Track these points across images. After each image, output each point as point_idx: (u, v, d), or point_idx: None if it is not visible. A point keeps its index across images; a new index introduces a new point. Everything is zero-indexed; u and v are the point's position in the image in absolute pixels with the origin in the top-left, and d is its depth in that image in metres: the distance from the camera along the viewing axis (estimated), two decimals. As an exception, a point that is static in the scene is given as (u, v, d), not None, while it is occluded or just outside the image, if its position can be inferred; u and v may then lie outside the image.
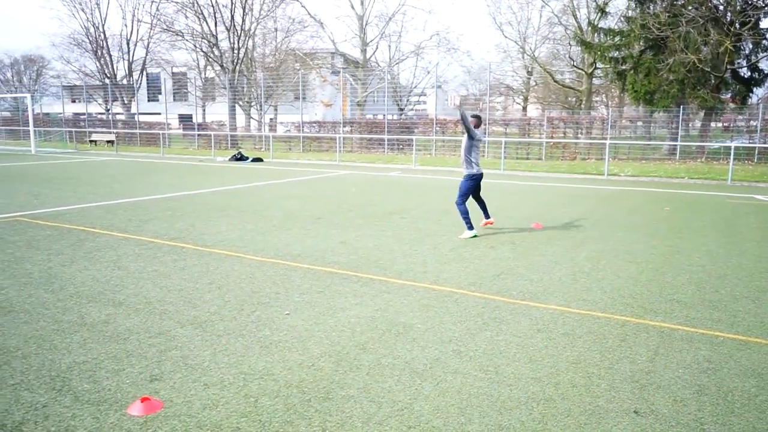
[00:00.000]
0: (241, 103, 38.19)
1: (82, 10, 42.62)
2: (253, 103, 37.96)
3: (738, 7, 24.15)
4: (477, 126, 8.70)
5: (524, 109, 52.65)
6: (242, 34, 38.03)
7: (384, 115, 32.82)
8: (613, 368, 4.06)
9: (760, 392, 3.72)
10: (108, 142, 35.89)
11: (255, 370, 3.98)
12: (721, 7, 25.07)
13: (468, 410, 3.46)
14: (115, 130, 35.91)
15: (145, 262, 6.89)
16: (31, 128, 30.13)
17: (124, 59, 44.28)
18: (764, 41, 25.44)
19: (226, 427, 3.24)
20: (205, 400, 3.56)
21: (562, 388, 3.75)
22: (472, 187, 8.88)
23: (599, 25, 29.84)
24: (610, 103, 50.79)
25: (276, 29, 41.72)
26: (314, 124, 34.52)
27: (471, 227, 8.61)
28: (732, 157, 17.51)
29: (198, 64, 45.71)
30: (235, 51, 37.81)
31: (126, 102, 43.34)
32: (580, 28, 36.82)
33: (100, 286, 5.90)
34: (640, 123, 31.23)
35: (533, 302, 5.52)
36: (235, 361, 4.14)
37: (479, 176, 8.82)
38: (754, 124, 25.30)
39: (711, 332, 4.76)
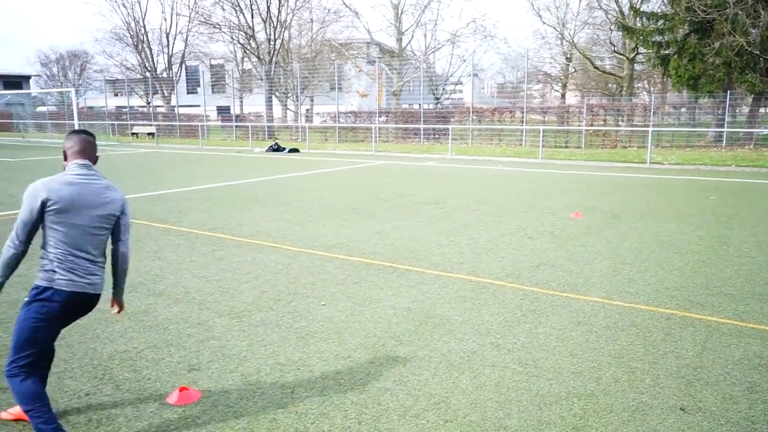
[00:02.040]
0: (277, 94, 38.46)
1: (123, 5, 43.42)
2: (289, 94, 38.18)
3: (790, -14, 23.07)
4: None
5: (563, 96, 51.62)
6: (278, 26, 38.22)
7: (420, 105, 32.62)
8: (658, 363, 3.93)
9: (816, 390, 3.55)
10: (149, 134, 36.59)
11: (291, 361, 3.98)
12: (772, -13, 24.00)
13: (506, 405, 3.39)
14: (155, 123, 36.60)
15: (184, 253, 6.98)
16: (75, 121, 30.93)
17: (163, 53, 45.03)
18: (818, 22, 24.26)
19: (262, 418, 3.24)
20: (242, 390, 3.57)
21: (604, 383, 3.64)
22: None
23: (641, 9, 28.93)
24: (652, 89, 49.40)
25: (312, 20, 41.81)
26: (350, 115, 34.53)
27: None
28: (782, 143, 16.82)
29: (235, 56, 46.19)
30: (272, 42, 38.02)
31: (166, 95, 44.09)
32: (621, 12, 35.81)
33: (140, 277, 6.00)
34: (684, 109, 30.25)
35: (573, 294, 5.40)
36: (271, 351, 4.15)
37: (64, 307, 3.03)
38: (807, 108, 24.24)
39: (762, 327, 4.56)
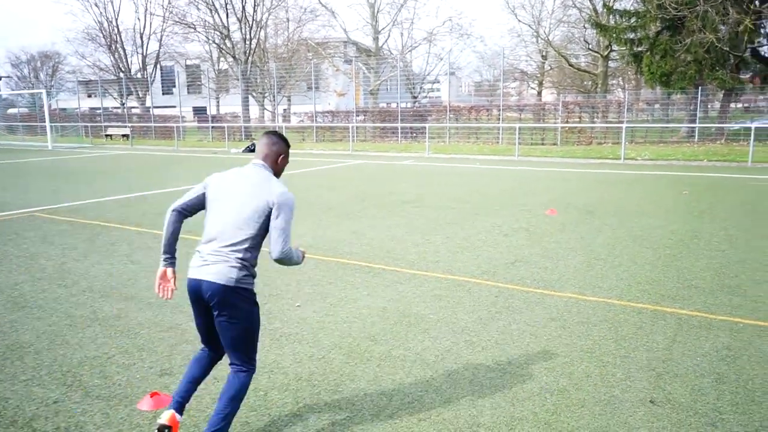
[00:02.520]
0: (254, 94, 38.20)
1: (95, 4, 42.80)
2: (266, 94, 37.95)
3: (758, -16, 23.56)
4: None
5: (539, 94, 52.06)
6: (254, 25, 37.96)
7: (397, 104, 32.65)
8: (629, 357, 3.98)
9: (782, 380, 3.62)
10: (123, 136, 36.12)
11: (265, 364, 3.96)
12: (740, -15, 24.46)
13: (480, 402, 3.40)
14: (130, 124, 36.13)
15: (157, 256, 6.87)
16: (47, 124, 30.40)
17: (137, 53, 44.45)
18: (785, 18, 24.80)
19: (234, 421, 3.21)
20: (214, 394, 3.54)
21: (576, 378, 3.68)
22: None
23: (614, 7, 29.31)
24: (626, 86, 50.04)
25: (288, 19, 41.57)
26: (327, 114, 34.45)
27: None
28: (752, 138, 17.15)
29: (211, 56, 45.75)
30: (247, 42, 37.75)
31: (140, 96, 43.56)
32: (594, 10, 36.23)
33: (113, 281, 5.92)
34: (657, 105, 30.73)
35: (547, 290, 5.44)
36: (245, 354, 4.11)
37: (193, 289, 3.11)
38: (775, 103, 24.77)
39: (730, 319, 4.64)
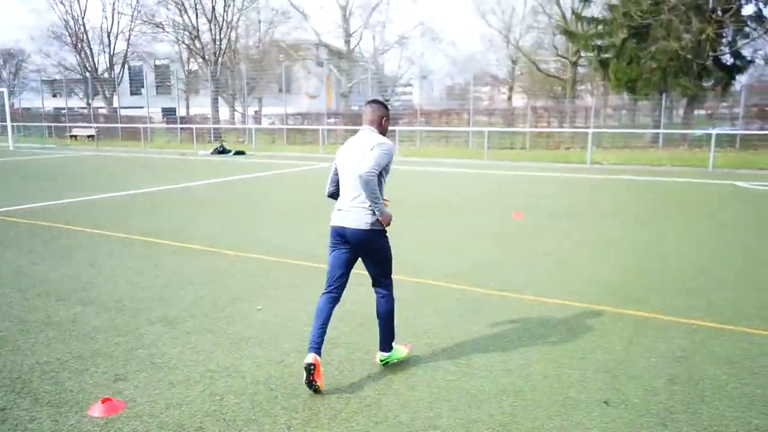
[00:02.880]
0: (224, 95, 37.85)
1: (61, 2, 41.95)
2: (236, 96, 37.63)
3: (720, -6, 24.20)
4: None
5: (509, 98, 52.64)
6: (224, 26, 37.64)
7: (369, 107, 32.62)
8: (586, 358, 4.03)
9: (731, 380, 3.70)
10: (89, 136, 35.44)
11: (222, 368, 3.90)
12: (703, -5, 25.10)
13: (437, 404, 3.40)
14: (96, 125, 35.45)
15: (119, 259, 6.77)
16: (8, 123, 29.63)
17: (105, 52, 43.69)
18: (746, 28, 25.52)
19: (188, 427, 3.16)
20: (169, 399, 3.47)
21: (533, 380, 3.70)
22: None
23: (583, 14, 29.82)
24: (595, 92, 50.90)
25: (259, 20, 41.36)
26: (298, 116, 34.30)
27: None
28: (713, 144, 17.58)
29: (181, 56, 45.22)
30: (217, 43, 37.43)
31: (107, 96, 42.78)
32: (563, 16, 36.82)
33: (70, 284, 5.78)
34: (624, 111, 31.33)
35: (511, 293, 5.48)
36: (203, 358, 4.06)
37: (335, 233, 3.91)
38: (737, 111, 25.44)
39: (687, 320, 4.74)
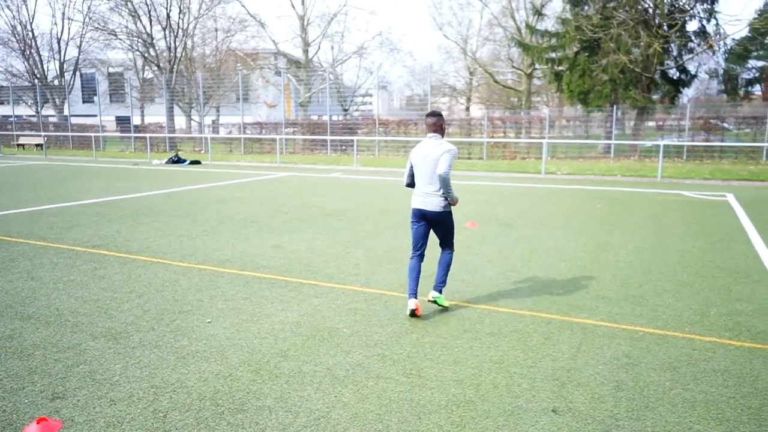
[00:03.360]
0: (180, 104, 37.20)
1: (8, 7, 40.59)
2: (193, 105, 37.04)
3: (665, 10, 25.11)
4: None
5: (467, 109, 53.35)
6: (180, 34, 37.07)
7: (328, 116, 32.59)
8: (536, 367, 4.07)
9: (675, 386, 3.78)
10: (37, 145, 34.34)
11: (167, 383, 3.79)
12: (650, 10, 26.01)
13: (386, 416, 3.38)
14: (44, 133, 34.36)
15: (61, 272, 6.54)
16: (-48, 131, 28.47)
17: (55, 59, 42.39)
18: (690, 43, 26.53)
19: (128, 447, 3.05)
20: (109, 417, 3.35)
21: (483, 390, 3.72)
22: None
23: (536, 27, 30.50)
24: (550, 103, 52.06)
25: (216, 29, 40.87)
26: (256, 126, 33.95)
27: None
28: (661, 155, 18.15)
29: (135, 64, 44.31)
30: (172, 51, 36.81)
31: (58, 104, 41.51)
32: (518, 29, 37.59)
33: (8, 299, 5.55)
34: (577, 122, 32.10)
35: (462, 302, 5.51)
36: (147, 374, 3.94)
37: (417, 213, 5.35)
38: (683, 123, 26.36)
39: (632, 327, 4.84)
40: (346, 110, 43.48)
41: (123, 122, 43.67)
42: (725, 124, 26.79)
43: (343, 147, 29.63)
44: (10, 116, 38.80)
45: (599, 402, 3.55)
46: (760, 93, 40.93)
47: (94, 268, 6.69)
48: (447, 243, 5.41)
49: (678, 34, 24.90)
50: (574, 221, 10.06)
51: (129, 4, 36.77)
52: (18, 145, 35.31)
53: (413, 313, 5.05)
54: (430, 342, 4.51)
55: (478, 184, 16.86)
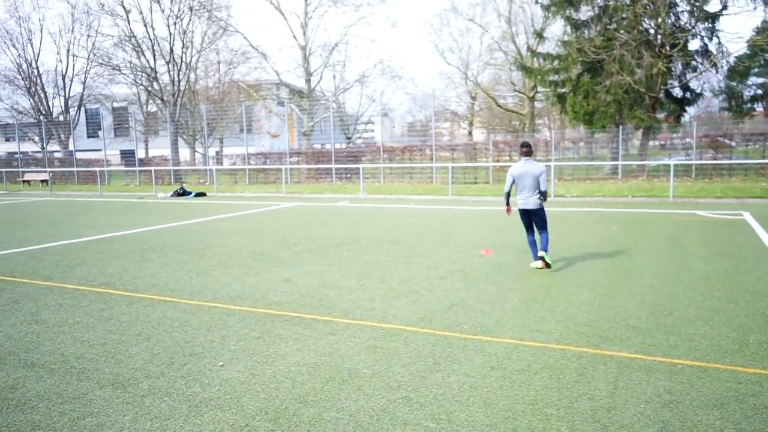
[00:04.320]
0: (185, 136, 37.31)
1: (14, 45, 41.03)
2: (197, 137, 37.14)
3: (667, 30, 25.13)
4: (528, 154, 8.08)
5: (470, 133, 53.44)
6: (183, 67, 37.34)
7: (331, 144, 32.59)
8: (573, 407, 3.80)
9: (725, 425, 3.51)
10: (42, 181, 34.38)
11: (180, 437, 3.53)
12: (652, 31, 26.05)
13: (418, 470, 3.11)
14: (50, 169, 34.42)
15: (66, 314, 6.31)
16: (-43, 170, 28.53)
17: (60, 95, 42.65)
18: (693, 62, 26.50)
19: None
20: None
21: (520, 436, 3.44)
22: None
23: (538, 50, 30.61)
24: (552, 125, 52.11)
25: (218, 61, 41.19)
26: (260, 156, 33.95)
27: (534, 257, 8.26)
28: (672, 174, 17.94)
29: (139, 98, 44.57)
30: (176, 84, 37.03)
31: (63, 139, 41.69)
32: (519, 53, 37.79)
33: (12, 345, 5.31)
34: (582, 144, 31.98)
35: (486, 336, 5.25)
36: (158, 426, 3.68)
37: (522, 211, 8.12)
38: (689, 141, 26.20)
39: (669, 359, 4.57)
40: (349, 138, 43.57)
41: (128, 156, 43.81)
42: (731, 142, 26.63)
43: (348, 175, 29.54)
44: (16, 153, 38.96)
45: (647, 447, 3.28)
46: (761, 109, 40.92)
47: (100, 309, 6.46)
48: (544, 227, 7.93)
49: (681, 53, 24.87)
50: (591, 245, 9.81)
51: (133, 39, 37.14)
52: (23, 181, 35.38)
53: (543, 267, 7.81)
54: (457, 382, 4.25)
55: (488, 209, 16.64)
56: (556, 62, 28.33)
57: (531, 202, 7.85)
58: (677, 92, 27.87)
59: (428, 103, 41.71)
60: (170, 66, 36.98)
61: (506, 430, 3.52)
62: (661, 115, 28.35)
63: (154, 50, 37.15)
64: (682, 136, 28.49)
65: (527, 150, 7.87)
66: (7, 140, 52.81)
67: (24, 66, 41.23)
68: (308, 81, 41.06)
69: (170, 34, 36.63)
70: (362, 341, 5.20)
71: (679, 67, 26.54)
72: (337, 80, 44.06)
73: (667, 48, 25.10)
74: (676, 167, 22.22)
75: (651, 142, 28.91)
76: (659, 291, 6.69)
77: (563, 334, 5.24)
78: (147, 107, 45.01)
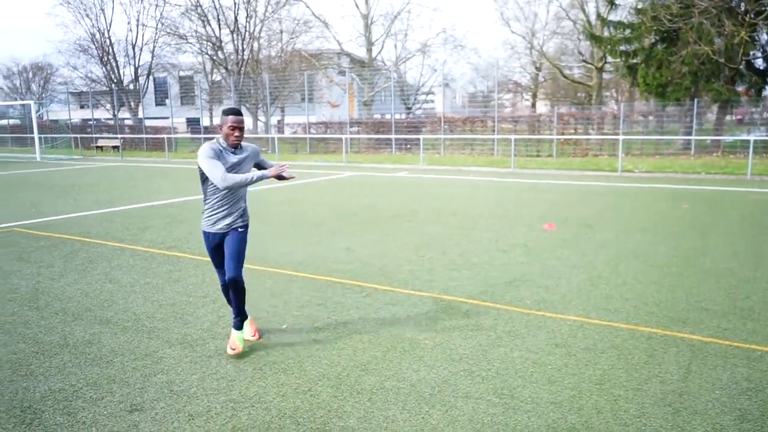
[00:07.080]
0: (247, 105, 37.91)
1: (87, 16, 42.38)
2: (259, 105, 37.67)
3: (752, -4, 23.50)
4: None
5: (533, 105, 52.05)
6: (247, 36, 37.76)
7: (391, 115, 32.41)
8: (642, 389, 3.66)
9: (810, 417, 3.31)
10: (114, 147, 35.75)
11: (246, 397, 3.62)
12: (735, -3, 24.43)
13: (481, 444, 3.07)
14: (121, 135, 35.75)
15: (138, 274, 6.55)
16: (35, 135, 30.03)
17: (130, 64, 44.01)
18: (779, 31, 24.76)
19: (208, 469, 2.88)
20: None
21: (586, 415, 3.35)
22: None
23: (609, 18, 29.26)
24: (620, 97, 50.10)
25: (281, 30, 41.37)
26: (321, 125, 34.17)
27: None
28: (751, 150, 16.94)
29: (204, 67, 45.47)
30: (240, 53, 37.54)
31: (133, 107, 43.16)
32: (588, 21, 36.27)
33: (88, 302, 5.57)
34: (651, 117, 30.60)
35: (550, 313, 5.12)
36: (224, 386, 3.78)
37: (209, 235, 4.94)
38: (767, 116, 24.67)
39: (747, 345, 4.34)
40: (409, 108, 43.23)
41: (193, 124, 44.98)
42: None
43: (408, 146, 29.37)
44: (90, 120, 40.63)
45: (723, 434, 3.13)
46: None
47: (169, 271, 6.69)
48: None
49: (766, 21, 23.24)
50: (661, 222, 9.41)
51: (199, 8, 37.75)
52: (97, 147, 36.88)
53: None
54: (520, 357, 4.17)
55: (551, 182, 16.22)
56: (627, 31, 27.01)
57: None
58: (760, 63, 26.15)
59: (491, 73, 40.82)
60: (234, 35, 37.46)
61: (572, 408, 3.43)
62: (740, 88, 26.72)
63: (219, 19, 37.67)
64: (762, 111, 26.81)
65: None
66: (82, 107, 55.13)
67: (97, 35, 42.64)
68: (369, 50, 40.83)
69: (235, 3, 37.02)
70: (422, 312, 5.18)
71: (764, 36, 24.86)
72: (399, 50, 43.67)
73: (752, 15, 23.48)
74: (756, 143, 20.99)
75: (727, 117, 27.37)
76: (735, 273, 6.36)
77: (631, 314, 5.06)
78: (212, 76, 45.91)
